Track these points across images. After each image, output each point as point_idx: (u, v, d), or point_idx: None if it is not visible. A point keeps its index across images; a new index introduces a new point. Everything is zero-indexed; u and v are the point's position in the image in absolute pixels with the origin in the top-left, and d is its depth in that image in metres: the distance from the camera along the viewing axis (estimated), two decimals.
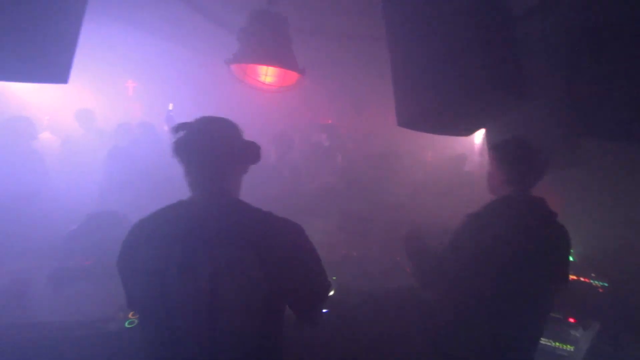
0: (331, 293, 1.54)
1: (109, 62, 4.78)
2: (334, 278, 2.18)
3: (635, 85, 1.67)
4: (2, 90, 4.28)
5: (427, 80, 1.81)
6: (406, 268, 2.38)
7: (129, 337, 1.71)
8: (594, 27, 1.78)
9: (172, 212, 1.12)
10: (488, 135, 2.34)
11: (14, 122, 3.27)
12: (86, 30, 1.69)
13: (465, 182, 3.53)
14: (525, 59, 1.85)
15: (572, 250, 1.85)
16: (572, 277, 2.34)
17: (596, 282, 2.34)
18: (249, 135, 1.23)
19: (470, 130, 2.20)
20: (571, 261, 1.73)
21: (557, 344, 2.15)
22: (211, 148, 1.12)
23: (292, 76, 2.87)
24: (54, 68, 1.57)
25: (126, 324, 1.76)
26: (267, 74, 2.83)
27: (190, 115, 1.21)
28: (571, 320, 2.15)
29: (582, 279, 2.36)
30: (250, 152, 1.18)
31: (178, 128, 1.12)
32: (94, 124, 4.22)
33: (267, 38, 2.67)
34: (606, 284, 2.31)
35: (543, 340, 2.09)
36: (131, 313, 1.78)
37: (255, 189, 1.32)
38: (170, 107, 3.68)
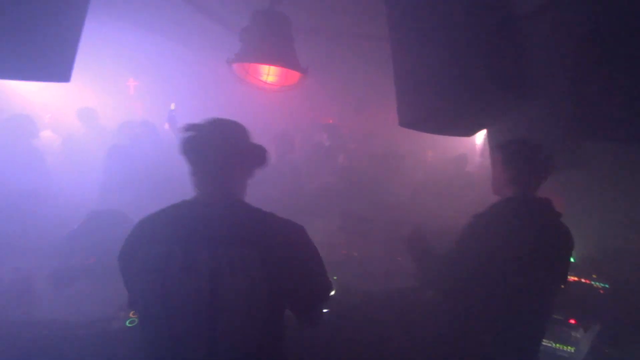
0: (332, 293, 1.54)
1: (111, 61, 4.78)
2: (335, 278, 2.18)
3: (637, 86, 1.66)
4: (4, 88, 4.27)
5: (429, 81, 1.81)
6: (407, 268, 2.38)
7: (130, 336, 1.71)
8: (596, 28, 1.78)
9: (176, 211, 1.12)
10: (489, 135, 2.34)
11: (14, 120, 3.26)
12: (88, 29, 1.70)
13: (466, 182, 3.54)
14: (526, 59, 1.85)
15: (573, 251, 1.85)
16: (573, 278, 2.34)
17: (597, 283, 2.33)
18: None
19: (472, 131, 2.20)
20: (572, 262, 1.73)
21: (558, 345, 2.14)
22: (219, 150, 1.12)
23: (294, 75, 2.88)
24: (56, 67, 1.57)
25: (127, 323, 1.76)
26: (269, 73, 2.84)
27: (191, 114, 1.21)
28: (572, 321, 2.15)
29: (583, 280, 2.35)
30: (257, 156, 1.19)
31: (188, 128, 1.12)
32: (96, 122, 4.21)
33: (269, 37, 2.67)
34: (607, 285, 2.31)
35: (544, 342, 2.08)
36: (132, 312, 1.77)
37: (256, 188, 1.32)
38: (173, 107, 3.67)
